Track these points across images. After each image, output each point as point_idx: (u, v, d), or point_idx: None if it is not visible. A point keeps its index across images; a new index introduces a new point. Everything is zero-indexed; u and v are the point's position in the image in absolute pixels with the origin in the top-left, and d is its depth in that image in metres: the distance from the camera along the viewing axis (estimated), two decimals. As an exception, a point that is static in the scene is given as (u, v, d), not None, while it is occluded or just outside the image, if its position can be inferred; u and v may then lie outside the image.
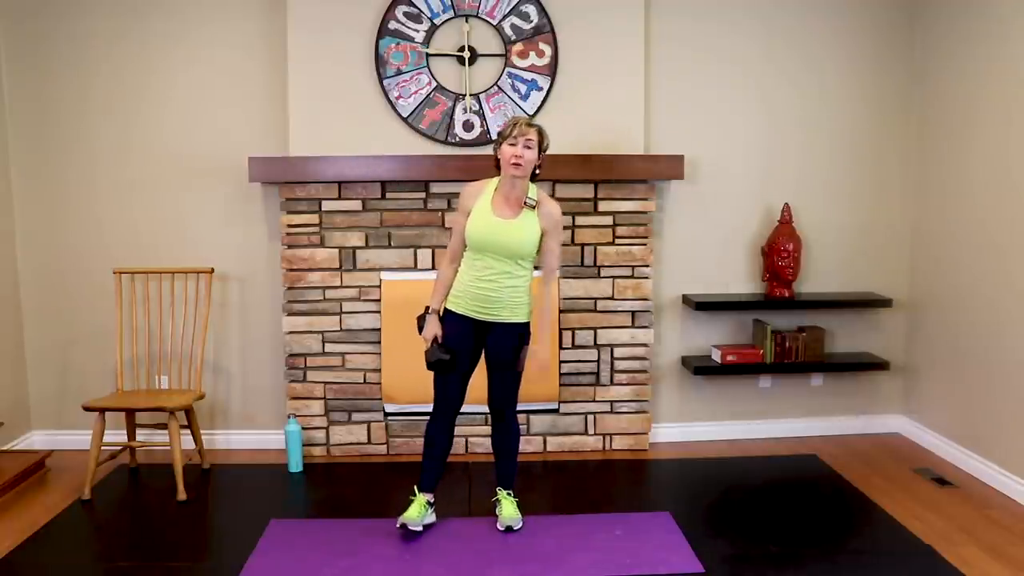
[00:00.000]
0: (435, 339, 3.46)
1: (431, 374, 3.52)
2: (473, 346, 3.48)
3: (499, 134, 3.39)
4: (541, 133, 3.37)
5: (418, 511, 3.47)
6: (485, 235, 3.35)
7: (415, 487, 3.55)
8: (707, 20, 4.49)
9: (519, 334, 3.47)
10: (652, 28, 4.45)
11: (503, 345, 3.46)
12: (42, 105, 4.38)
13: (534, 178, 3.42)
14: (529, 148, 3.31)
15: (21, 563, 3.30)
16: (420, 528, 3.44)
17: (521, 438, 4.45)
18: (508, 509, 3.58)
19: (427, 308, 3.50)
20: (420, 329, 3.51)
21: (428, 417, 3.60)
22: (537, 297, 3.48)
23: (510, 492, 3.64)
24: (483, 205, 3.39)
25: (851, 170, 4.67)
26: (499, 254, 3.36)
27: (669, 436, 4.69)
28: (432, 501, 3.56)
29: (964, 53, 4.23)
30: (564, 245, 4.38)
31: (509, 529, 3.52)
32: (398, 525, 3.42)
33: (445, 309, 3.49)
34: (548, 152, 4.24)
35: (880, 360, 4.64)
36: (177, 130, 4.42)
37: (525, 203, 3.38)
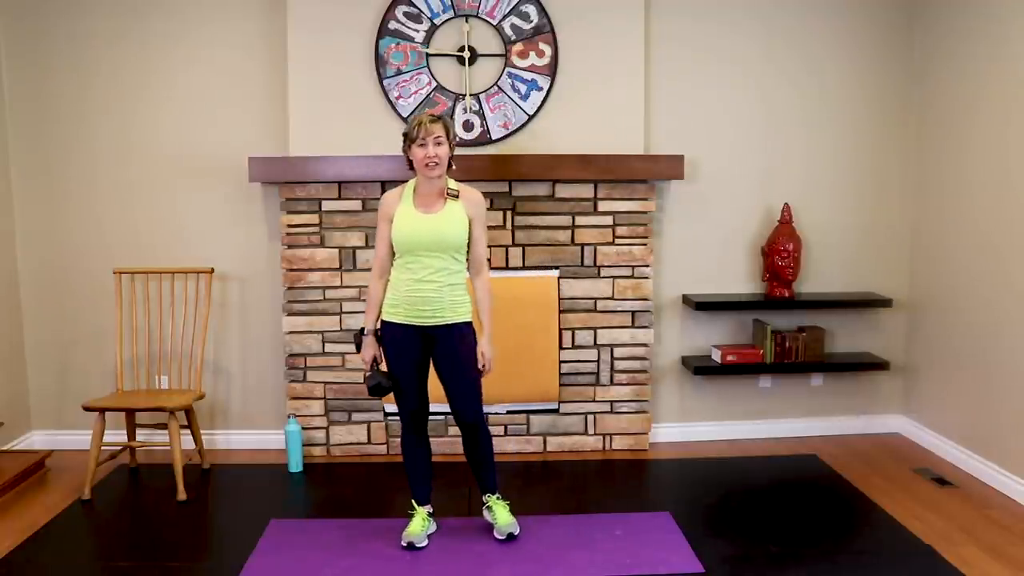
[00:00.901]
0: (374, 361, 3.36)
1: None
2: (420, 353, 3.35)
3: (404, 136, 3.28)
4: (446, 125, 3.26)
5: (421, 525, 3.42)
6: (415, 232, 3.25)
7: (412, 501, 3.50)
8: (707, 20, 4.49)
9: (463, 334, 3.35)
10: (652, 28, 4.45)
11: (451, 348, 3.34)
12: (42, 105, 4.39)
13: (449, 171, 3.33)
14: (440, 144, 3.22)
15: (21, 563, 3.30)
16: (425, 543, 3.40)
17: (521, 438, 4.48)
18: (503, 516, 3.48)
19: (362, 329, 3.38)
20: (358, 348, 3.40)
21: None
22: (478, 292, 3.39)
23: (499, 496, 3.55)
24: (405, 207, 3.30)
25: (851, 170, 4.67)
26: (433, 249, 3.26)
27: (669, 436, 4.68)
28: (431, 512, 3.52)
29: (964, 53, 4.23)
30: (564, 245, 4.39)
31: (510, 536, 3.43)
32: (404, 544, 3.37)
33: (383, 322, 3.36)
34: (548, 152, 4.30)
35: (880, 360, 4.64)
36: (177, 130, 4.42)
37: (447, 194, 3.31)
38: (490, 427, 4.42)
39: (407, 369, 3.36)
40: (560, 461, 4.41)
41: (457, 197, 3.32)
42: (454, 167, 3.37)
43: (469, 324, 3.38)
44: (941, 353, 4.47)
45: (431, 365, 3.42)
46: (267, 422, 4.58)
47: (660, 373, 4.67)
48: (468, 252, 3.38)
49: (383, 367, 3.39)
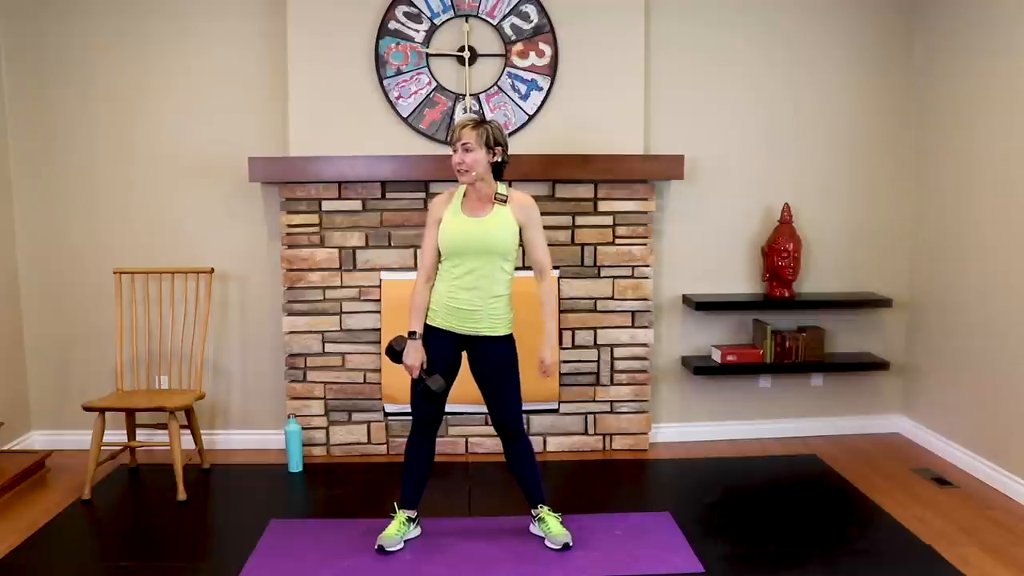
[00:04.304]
0: (421, 367, 3.29)
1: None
2: (453, 359, 3.34)
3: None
4: (483, 132, 3.19)
5: (397, 530, 3.39)
6: (460, 235, 3.23)
7: (395, 504, 3.48)
8: (707, 21, 4.49)
9: (501, 347, 3.33)
10: (652, 28, 4.45)
11: (487, 361, 3.33)
12: (42, 105, 4.39)
13: (501, 175, 3.31)
14: (468, 151, 3.17)
15: (21, 563, 3.30)
16: (400, 546, 3.37)
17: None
18: (555, 527, 3.42)
19: (411, 333, 3.29)
20: (392, 356, 3.31)
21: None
22: (541, 295, 3.36)
23: (549, 508, 3.49)
24: (453, 210, 3.29)
25: (851, 170, 4.67)
26: (478, 253, 3.23)
27: (669, 436, 4.69)
28: (414, 517, 3.47)
29: (964, 54, 4.22)
30: (564, 245, 4.39)
31: (565, 546, 3.36)
32: (376, 547, 3.35)
33: (424, 325, 3.33)
34: (548, 152, 4.29)
35: (880, 360, 4.64)
36: (177, 130, 4.42)
37: (496, 198, 3.27)
38: (490, 427, 4.44)
39: (437, 373, 3.31)
40: (560, 461, 4.40)
41: (505, 202, 3.28)
42: (506, 164, 3.31)
43: (508, 337, 3.35)
44: (941, 353, 4.47)
45: (457, 374, 3.39)
46: (267, 422, 4.58)
47: (660, 373, 4.67)
48: (527, 257, 3.38)
49: (432, 378, 3.29)
